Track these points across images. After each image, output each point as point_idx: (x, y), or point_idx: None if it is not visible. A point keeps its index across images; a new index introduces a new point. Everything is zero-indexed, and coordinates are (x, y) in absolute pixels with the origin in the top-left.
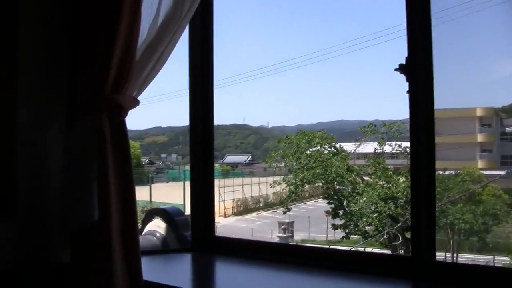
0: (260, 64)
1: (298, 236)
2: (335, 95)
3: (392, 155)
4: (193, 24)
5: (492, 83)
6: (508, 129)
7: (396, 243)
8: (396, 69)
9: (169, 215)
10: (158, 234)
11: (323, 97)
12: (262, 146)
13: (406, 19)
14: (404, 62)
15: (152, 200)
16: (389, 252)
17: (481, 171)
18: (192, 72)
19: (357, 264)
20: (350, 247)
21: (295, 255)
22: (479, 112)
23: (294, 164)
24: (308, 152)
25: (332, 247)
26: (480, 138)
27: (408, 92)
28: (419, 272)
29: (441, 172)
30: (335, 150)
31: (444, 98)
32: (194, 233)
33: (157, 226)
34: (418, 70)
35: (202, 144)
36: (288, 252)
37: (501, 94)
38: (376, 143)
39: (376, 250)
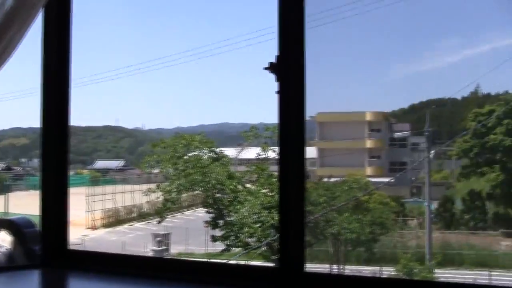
0: (137, 60)
1: (175, 250)
2: (217, 96)
3: (277, 161)
4: (48, 16)
5: (383, 86)
6: (397, 135)
7: (277, 256)
8: (265, 68)
9: (16, 227)
10: (2, 249)
11: (203, 99)
12: (136, 150)
13: (277, 13)
14: (274, 61)
15: (9, 211)
16: (271, 264)
17: (369, 178)
18: (46, 69)
19: (226, 277)
20: (228, 260)
21: (163, 268)
22: (368, 117)
23: (171, 170)
24: (186, 157)
25: (209, 260)
26: (369, 144)
27: (277, 92)
28: (286, 284)
29: (326, 180)
30: (216, 155)
31: (332, 102)
32: (45, 247)
33: (1, 239)
34: (289, 69)
35: (56, 148)
36: (157, 266)
37: (391, 98)
38: (259, 148)
39: (257, 263)
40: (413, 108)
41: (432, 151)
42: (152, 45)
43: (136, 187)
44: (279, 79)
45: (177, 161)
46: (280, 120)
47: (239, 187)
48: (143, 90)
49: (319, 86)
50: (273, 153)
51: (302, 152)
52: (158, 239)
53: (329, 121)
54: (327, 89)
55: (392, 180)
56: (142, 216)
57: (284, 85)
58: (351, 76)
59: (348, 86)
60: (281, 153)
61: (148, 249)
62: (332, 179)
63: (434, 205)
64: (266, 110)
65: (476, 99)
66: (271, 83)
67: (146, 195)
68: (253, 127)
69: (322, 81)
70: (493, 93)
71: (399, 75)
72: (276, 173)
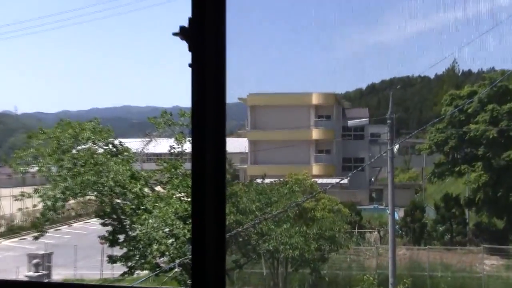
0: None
1: (59, 275)
2: (116, 70)
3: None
4: None
5: (333, 62)
6: (351, 123)
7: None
8: (175, 34)
9: None
10: None
11: (98, 73)
12: (5, 142)
13: None
14: (187, 25)
15: None
16: None
17: (316, 179)
18: None
19: None
20: (130, 286)
21: None
22: (315, 99)
23: (54, 168)
24: (75, 151)
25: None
26: (315, 134)
27: (190, 65)
28: None
29: (259, 181)
30: (115, 149)
31: (268, 80)
32: None
33: None
34: (205, 35)
35: None
36: None
37: (344, 76)
38: (173, 139)
39: None
40: (373, 89)
41: (397, 144)
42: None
43: (5, 191)
44: (192, 47)
45: (63, 156)
46: (193, 102)
47: (146, 190)
48: (12, 62)
49: (251, 61)
50: (190, 146)
51: (221, 145)
52: (36, 261)
53: (264, 105)
54: (261, 65)
55: (346, 181)
56: (13, 231)
57: (199, 55)
58: (293, 50)
59: (288, 61)
60: (194, 146)
61: (21, 275)
62: (268, 180)
63: (400, 213)
64: (182, 90)
65: (453, 78)
66: (185, 53)
67: (18, 200)
68: (164, 112)
69: (255, 55)
70: (474, 69)
71: (354, 47)
72: None
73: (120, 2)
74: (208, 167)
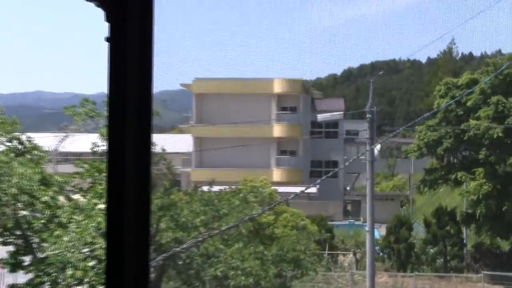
0: None
1: None
2: (24, 48)
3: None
4: None
5: (300, 40)
6: (322, 117)
7: None
8: None
9: None
10: None
11: (5, 53)
12: None
13: None
14: None
15: None
16: None
17: (277, 187)
18: None
19: None
20: None
21: None
22: (277, 87)
23: None
24: None
25: None
26: (277, 131)
27: (107, 40)
28: None
29: (206, 188)
30: (21, 146)
31: (219, 63)
32: None
33: None
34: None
35: None
36: None
37: (314, 58)
38: (97, 134)
39: None
40: (349, 75)
41: (378, 144)
42: None
43: None
44: (109, 16)
45: None
46: (110, 88)
47: (61, 199)
48: None
49: (198, 40)
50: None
51: (146, 142)
52: None
53: (213, 93)
54: (211, 44)
55: (314, 190)
56: None
57: (118, 27)
58: (249, 27)
59: (244, 41)
60: (110, 144)
61: None
62: (217, 188)
63: (381, 231)
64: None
65: (450, 63)
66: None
67: None
68: (85, 100)
69: (203, 32)
70: (476, 53)
71: (326, 23)
72: None
73: None
74: (128, 170)
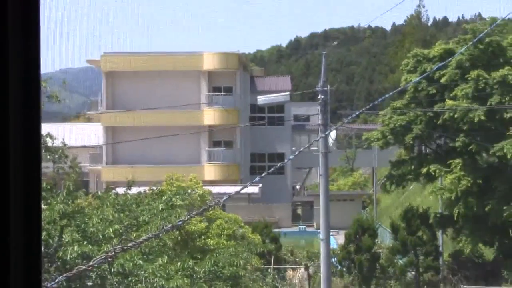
0: None
1: None
2: None
3: None
4: None
5: (234, 3)
6: (263, 100)
7: None
8: None
9: None
10: None
11: None
12: None
13: None
14: None
15: None
16: None
17: (210, 187)
18: None
19: None
20: None
21: None
22: (208, 62)
23: None
24: None
25: None
26: (209, 117)
27: None
28: None
29: (121, 190)
30: None
31: (137, 37)
32: None
33: None
34: None
35: None
36: None
37: (254, 26)
38: None
39: None
40: (297, 46)
41: (333, 132)
42: None
43: None
44: None
45: None
46: None
47: None
48: None
49: (104, 4)
50: None
51: (35, 134)
52: None
53: (128, 71)
54: (121, 11)
55: (256, 191)
56: None
57: None
58: None
59: (160, 6)
60: None
61: None
62: (135, 189)
63: (339, 239)
64: None
65: (419, 30)
66: None
67: None
68: None
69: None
70: (452, 17)
71: None
72: None
73: None
74: (14, 170)
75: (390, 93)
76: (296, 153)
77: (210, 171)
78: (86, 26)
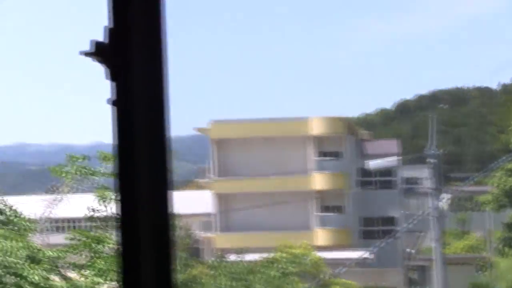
0: None
1: None
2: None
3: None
4: None
5: (340, 68)
6: (373, 164)
7: None
8: (85, 54)
9: None
10: None
11: None
12: None
13: None
14: (104, 39)
15: None
16: None
17: (322, 253)
18: None
19: None
20: None
21: None
22: (315, 127)
23: None
24: None
25: None
26: (318, 182)
27: (113, 102)
28: None
29: (234, 258)
30: (2, 217)
31: (243, 104)
32: None
33: None
34: (136, 53)
35: None
36: None
37: (358, 90)
38: (94, 195)
39: None
40: (405, 109)
41: (445, 195)
42: None
43: None
44: (113, 75)
45: None
46: (119, 142)
47: (55, 279)
48: None
49: (214, 78)
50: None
51: (163, 208)
52: None
53: (237, 138)
54: (229, 81)
55: (369, 256)
56: None
57: (125, 87)
58: (275, 52)
59: (270, 71)
60: (122, 208)
61: None
62: (248, 257)
63: None
64: (104, 118)
65: None
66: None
67: None
68: (73, 157)
69: (219, 69)
70: None
71: (370, 45)
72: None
73: None
74: (144, 243)
75: (504, 158)
76: (412, 221)
77: (321, 236)
78: (194, 96)
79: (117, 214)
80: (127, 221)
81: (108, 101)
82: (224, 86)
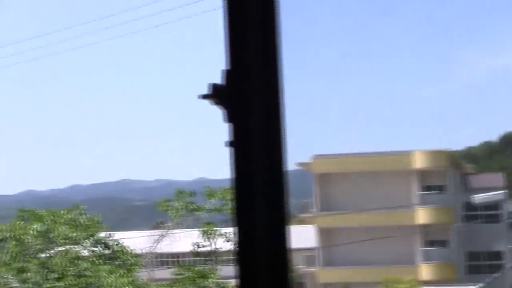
0: None
1: None
2: (108, 128)
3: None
4: None
5: (444, 101)
6: (478, 198)
7: None
8: (203, 97)
9: None
10: None
11: (74, 135)
12: None
13: None
14: (222, 81)
15: None
16: None
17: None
18: None
19: None
20: None
21: None
22: (418, 161)
23: (15, 282)
24: (45, 255)
25: None
26: (422, 216)
27: (230, 144)
28: None
29: None
30: (107, 250)
31: (343, 136)
32: None
33: None
34: (255, 96)
35: None
36: None
37: (462, 122)
38: (199, 230)
39: None
40: (508, 141)
41: None
42: None
43: None
44: (231, 118)
45: (27, 264)
46: (238, 182)
47: None
48: None
49: (315, 111)
50: (226, 242)
51: (282, 242)
52: None
53: (338, 172)
54: (330, 114)
55: None
56: None
57: (243, 129)
58: (378, 86)
59: (372, 105)
60: (241, 247)
61: None
62: None
63: None
64: (209, 155)
65: None
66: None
67: None
68: (180, 192)
69: (319, 102)
70: None
71: (473, 75)
72: (234, 283)
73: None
74: (262, 279)
75: None
76: None
77: (425, 271)
78: (293, 130)
79: (236, 250)
80: (245, 258)
81: (226, 143)
82: (325, 120)
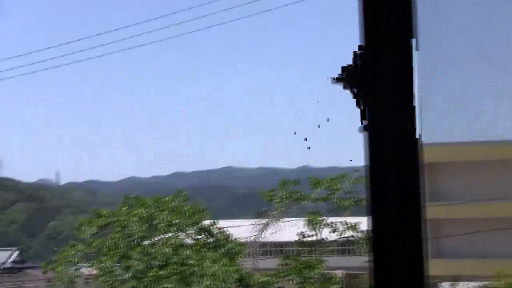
0: None
1: None
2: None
3: (342, 246)
4: None
5: None
6: None
7: None
8: (336, 79)
9: None
10: None
11: (180, 119)
12: (44, 227)
13: None
14: (353, 63)
15: None
16: None
17: None
18: None
19: None
20: None
21: None
22: None
23: (117, 269)
24: (147, 242)
25: None
26: None
27: (365, 128)
28: None
29: (447, 286)
30: (210, 236)
31: (456, 122)
32: None
33: None
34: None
35: None
36: None
37: None
38: (304, 220)
39: None
40: None
41: None
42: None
43: None
44: (364, 102)
45: (131, 251)
46: (371, 166)
47: None
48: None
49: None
50: (332, 233)
51: (417, 225)
52: None
53: (448, 162)
54: (445, 97)
55: None
56: None
57: (377, 114)
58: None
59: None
60: (375, 239)
61: None
62: (462, 285)
63: None
64: (314, 142)
65: None
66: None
67: None
68: (285, 181)
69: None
70: None
71: None
72: (339, 273)
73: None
74: (395, 264)
75: None
76: None
77: None
78: None
79: (369, 234)
80: (379, 243)
81: (361, 128)
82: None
